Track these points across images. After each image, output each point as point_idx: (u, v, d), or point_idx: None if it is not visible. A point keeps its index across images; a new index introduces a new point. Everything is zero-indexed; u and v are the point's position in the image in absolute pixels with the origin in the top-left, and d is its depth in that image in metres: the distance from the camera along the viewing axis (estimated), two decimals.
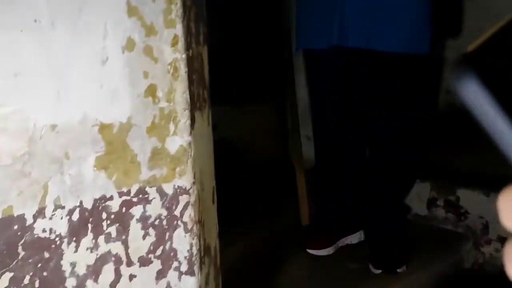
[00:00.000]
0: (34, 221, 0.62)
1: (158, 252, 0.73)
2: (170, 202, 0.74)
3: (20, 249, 0.61)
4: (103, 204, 0.67)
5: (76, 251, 0.64)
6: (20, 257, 0.61)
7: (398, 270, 1.62)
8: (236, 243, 1.62)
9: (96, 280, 0.66)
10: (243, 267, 1.60)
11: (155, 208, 0.72)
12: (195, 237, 0.77)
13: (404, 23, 1.43)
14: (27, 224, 0.61)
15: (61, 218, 0.64)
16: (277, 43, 2.03)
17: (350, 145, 1.65)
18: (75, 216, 0.64)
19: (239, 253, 1.62)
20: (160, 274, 0.74)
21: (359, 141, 1.65)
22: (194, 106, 0.80)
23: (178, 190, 0.74)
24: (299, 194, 1.81)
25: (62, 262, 0.64)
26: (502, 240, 1.81)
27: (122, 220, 0.69)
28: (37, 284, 0.62)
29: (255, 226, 1.77)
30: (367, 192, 1.72)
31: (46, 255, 0.63)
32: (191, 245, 0.76)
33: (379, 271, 1.61)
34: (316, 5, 1.47)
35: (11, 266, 0.60)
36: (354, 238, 1.73)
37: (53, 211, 0.63)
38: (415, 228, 1.97)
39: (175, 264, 0.75)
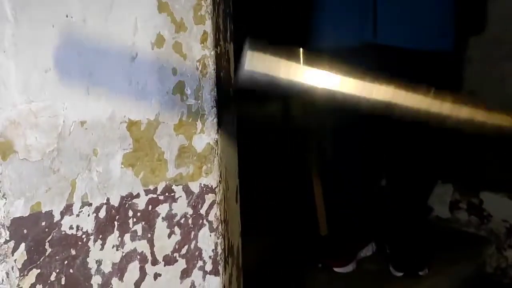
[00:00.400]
0: (62, 218, 0.61)
1: (183, 251, 0.72)
2: (196, 200, 0.73)
3: (47, 245, 0.60)
4: (130, 202, 0.66)
5: (102, 248, 0.64)
6: (47, 254, 0.60)
7: (420, 273, 1.59)
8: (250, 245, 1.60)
9: (121, 279, 0.66)
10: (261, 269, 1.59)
11: (181, 207, 0.71)
12: (220, 237, 0.76)
13: (432, 20, 1.40)
14: (54, 221, 0.61)
15: (88, 215, 0.64)
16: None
17: (371, 147, 1.62)
18: (102, 213, 0.64)
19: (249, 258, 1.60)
20: (185, 274, 0.73)
21: (379, 143, 1.63)
22: (221, 104, 0.79)
23: (204, 189, 0.73)
24: (316, 203, 1.76)
25: (88, 260, 0.64)
26: None
27: (148, 218, 0.68)
28: (63, 281, 0.62)
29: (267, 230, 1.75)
30: (388, 195, 1.69)
31: (73, 252, 0.62)
32: (216, 245, 0.75)
33: (401, 273, 1.59)
34: (344, 2, 1.44)
35: (38, 262, 0.60)
36: (368, 250, 1.71)
37: (80, 208, 0.63)
38: (437, 231, 1.93)
39: (200, 263, 0.74)
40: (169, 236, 0.71)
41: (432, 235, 1.89)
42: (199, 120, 0.72)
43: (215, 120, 0.74)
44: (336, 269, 1.62)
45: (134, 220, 0.67)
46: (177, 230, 0.71)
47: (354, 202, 1.70)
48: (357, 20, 1.42)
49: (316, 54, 1.69)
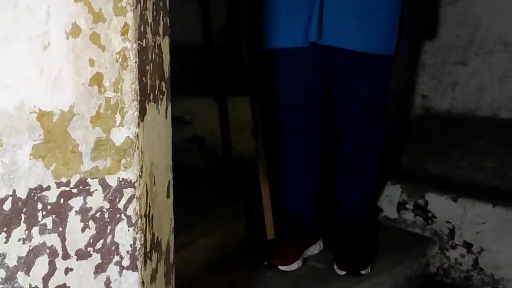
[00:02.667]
0: None
1: (98, 245, 0.71)
2: (113, 194, 0.72)
3: None
4: (39, 194, 0.65)
5: (6, 241, 0.62)
6: None
7: (362, 272, 1.62)
8: (196, 243, 1.60)
9: (27, 273, 0.64)
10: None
11: (97, 201, 0.70)
12: (140, 232, 0.75)
13: (377, 24, 1.43)
14: None
15: None
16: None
17: (318, 143, 1.65)
18: (7, 205, 0.62)
19: (195, 256, 1.59)
20: (99, 269, 0.72)
21: (326, 139, 1.66)
22: (145, 97, 0.78)
23: (123, 183, 0.73)
24: (264, 204, 1.74)
25: None
26: (468, 245, 1.82)
27: (59, 211, 0.67)
28: None
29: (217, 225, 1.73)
30: (333, 193, 1.72)
31: None
32: (135, 240, 0.75)
33: (344, 272, 1.61)
34: (292, 3, 1.45)
35: None
36: (315, 248, 1.73)
37: None
38: (384, 231, 1.97)
39: (116, 258, 0.73)
40: (83, 230, 0.69)
41: (379, 235, 1.93)
42: (118, 113, 0.71)
43: (136, 114, 0.73)
44: (281, 267, 1.63)
45: (44, 213, 0.65)
46: (91, 224, 0.70)
47: (301, 200, 1.71)
48: (304, 21, 1.44)
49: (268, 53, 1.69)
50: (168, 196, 0.96)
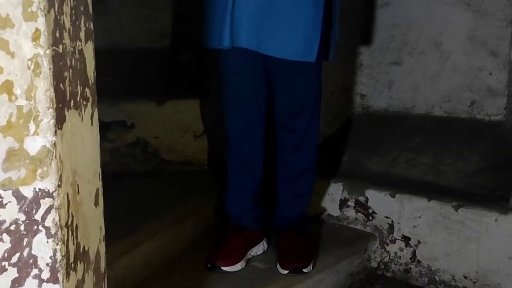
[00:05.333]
0: None
1: (14, 259, 0.69)
2: (29, 206, 0.69)
3: None
4: None
5: None
6: None
7: (305, 270, 1.65)
8: (136, 249, 1.57)
9: None
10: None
11: (11, 213, 0.68)
12: (60, 243, 0.73)
13: (294, 31, 1.46)
14: None
15: None
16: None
17: (259, 144, 1.67)
18: None
19: (135, 262, 1.56)
20: (16, 283, 0.69)
21: (265, 142, 1.68)
22: (64, 104, 0.76)
23: (40, 193, 0.70)
24: None
25: None
26: (406, 239, 1.89)
27: None
28: None
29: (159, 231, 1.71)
30: (274, 193, 1.74)
31: None
32: (55, 251, 0.72)
33: (286, 271, 1.63)
34: (213, 4, 1.47)
35: None
36: (259, 248, 1.74)
37: None
38: (328, 228, 2.01)
39: (35, 271, 0.71)
40: None
41: (322, 232, 1.97)
42: (32, 121, 0.69)
43: (52, 122, 0.71)
44: (224, 268, 1.63)
45: None
46: (6, 237, 0.68)
47: (242, 200, 1.72)
48: (222, 24, 1.45)
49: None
50: (96, 204, 0.94)
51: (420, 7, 2.14)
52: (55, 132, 0.72)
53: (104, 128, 2.19)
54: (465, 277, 1.77)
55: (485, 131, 2.01)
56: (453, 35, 2.08)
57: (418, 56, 2.16)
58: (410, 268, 1.89)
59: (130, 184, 2.02)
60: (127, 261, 1.52)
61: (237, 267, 1.65)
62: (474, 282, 1.76)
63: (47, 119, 0.70)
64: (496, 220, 1.70)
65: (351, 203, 2.02)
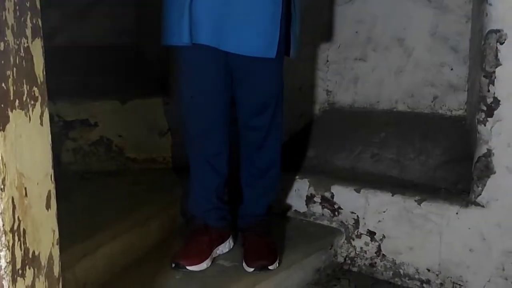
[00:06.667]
0: None
1: None
2: None
3: None
4: None
5: None
6: None
7: (270, 267, 1.64)
8: (98, 251, 1.53)
9: None
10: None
11: None
12: (4, 249, 0.70)
13: (254, 27, 1.45)
14: None
15: None
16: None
17: (221, 141, 1.65)
18: None
19: (97, 265, 1.53)
20: None
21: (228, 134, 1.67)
22: (7, 104, 0.73)
23: None
24: None
25: None
26: (371, 234, 1.91)
27: None
28: None
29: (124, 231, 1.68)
30: (240, 189, 1.73)
31: None
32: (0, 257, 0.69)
33: (252, 269, 1.63)
34: (171, 0, 1.45)
35: None
36: (225, 247, 1.73)
37: None
38: (294, 225, 2.02)
39: None
40: None
41: (288, 229, 1.97)
42: None
43: None
44: (189, 268, 1.61)
45: None
46: None
47: (206, 198, 1.71)
48: (180, 20, 1.43)
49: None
50: (48, 207, 0.91)
51: (384, 4, 2.16)
52: None
53: (67, 127, 2.14)
54: (428, 270, 1.80)
55: (447, 125, 2.04)
56: (416, 31, 2.10)
57: (383, 52, 2.18)
58: (376, 263, 1.91)
59: (94, 184, 1.98)
60: (88, 263, 1.49)
61: (203, 266, 1.63)
62: (437, 275, 1.79)
63: None
64: (457, 213, 1.74)
65: (317, 199, 2.03)
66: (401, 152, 2.02)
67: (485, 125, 1.65)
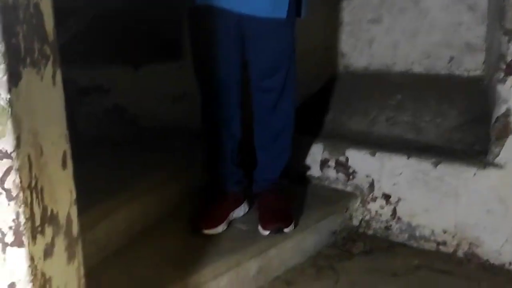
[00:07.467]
0: None
1: None
2: None
3: None
4: None
5: None
6: None
7: (286, 230, 1.65)
8: (117, 212, 1.55)
9: None
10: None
11: None
12: (23, 205, 0.70)
13: None
14: None
15: None
16: None
17: (236, 106, 1.64)
18: None
19: (117, 226, 1.55)
20: None
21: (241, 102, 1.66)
22: (18, 61, 0.72)
23: None
24: None
25: None
26: (386, 197, 1.90)
27: None
28: None
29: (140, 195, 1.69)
30: (254, 154, 1.73)
31: None
32: (18, 214, 0.70)
33: (267, 232, 1.64)
34: None
35: None
36: (240, 210, 1.74)
37: None
38: (308, 189, 2.02)
39: None
40: None
41: (304, 193, 1.97)
42: None
43: (5, 78, 0.67)
44: (206, 231, 1.63)
45: None
46: None
47: (222, 163, 1.71)
48: None
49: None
50: (64, 167, 0.91)
51: None
52: (10, 89, 0.68)
53: (81, 93, 2.14)
54: (444, 231, 1.79)
55: (464, 86, 2.00)
56: None
57: (397, 13, 2.12)
58: (391, 225, 1.91)
59: (109, 150, 1.99)
60: (108, 225, 1.51)
61: (219, 229, 1.65)
62: (453, 236, 1.78)
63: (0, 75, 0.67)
64: (474, 175, 1.71)
65: (331, 163, 2.02)
66: (417, 114, 1.99)
67: (504, 84, 1.61)
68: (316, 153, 2.04)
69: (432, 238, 1.82)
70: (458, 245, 1.78)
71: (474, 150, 1.82)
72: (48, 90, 0.84)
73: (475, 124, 1.89)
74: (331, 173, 2.02)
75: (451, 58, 2.04)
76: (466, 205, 1.74)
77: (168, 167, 1.87)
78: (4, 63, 0.66)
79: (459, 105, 1.97)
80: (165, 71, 2.12)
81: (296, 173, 2.05)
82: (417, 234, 1.86)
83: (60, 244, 0.87)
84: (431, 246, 1.83)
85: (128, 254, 1.52)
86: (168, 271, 1.43)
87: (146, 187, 1.70)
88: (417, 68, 2.12)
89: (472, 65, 2.01)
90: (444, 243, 1.80)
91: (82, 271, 0.96)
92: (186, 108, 2.13)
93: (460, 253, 1.77)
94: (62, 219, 0.88)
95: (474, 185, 1.72)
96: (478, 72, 2.00)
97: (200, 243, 1.60)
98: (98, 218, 1.47)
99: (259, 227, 1.66)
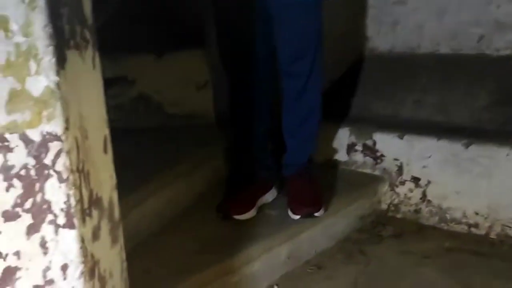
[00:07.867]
0: None
1: (28, 205, 0.66)
2: (38, 150, 0.67)
3: None
4: None
5: None
6: None
7: (316, 214, 1.64)
8: (148, 201, 1.56)
9: None
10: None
11: (19, 157, 0.65)
12: (73, 188, 0.70)
13: None
14: None
15: None
16: None
17: (264, 91, 1.63)
18: None
19: (148, 215, 1.55)
20: (32, 229, 0.67)
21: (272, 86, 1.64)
22: (64, 43, 0.72)
23: (47, 137, 0.67)
24: None
25: None
26: (416, 180, 1.88)
27: None
28: None
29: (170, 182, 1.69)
30: (283, 139, 1.72)
31: None
32: (69, 196, 0.70)
33: (298, 216, 1.63)
34: None
35: None
36: (269, 196, 1.73)
37: None
38: (336, 173, 2.00)
39: (50, 217, 0.69)
40: (7, 189, 0.64)
41: (331, 177, 1.96)
42: (32, 60, 0.65)
43: (54, 60, 0.67)
44: (236, 217, 1.63)
45: None
46: (16, 182, 0.65)
47: (251, 148, 1.70)
48: None
49: None
50: (105, 151, 0.91)
51: None
52: (58, 71, 0.68)
53: (106, 84, 2.13)
54: (476, 213, 1.77)
55: (494, 66, 1.96)
56: None
57: None
58: (420, 208, 1.89)
59: (136, 139, 1.99)
60: (139, 214, 1.51)
61: (249, 215, 1.64)
62: (486, 218, 1.76)
63: (48, 57, 0.66)
64: (507, 155, 1.68)
65: (358, 147, 2.00)
66: (445, 96, 1.96)
67: None
68: (342, 138, 2.03)
69: (464, 220, 1.80)
70: (490, 227, 1.75)
71: (505, 131, 1.79)
72: (89, 73, 0.83)
73: (506, 104, 1.85)
74: (359, 157, 2.00)
75: (480, 37, 2.00)
76: (499, 186, 1.71)
77: (194, 155, 1.87)
78: (52, 44, 0.66)
79: (488, 85, 1.93)
80: (189, 58, 2.11)
81: (323, 158, 2.03)
82: (448, 216, 1.83)
83: (105, 228, 0.87)
84: (462, 228, 1.81)
85: (160, 242, 1.52)
86: (202, 257, 1.44)
87: (173, 175, 1.70)
88: (444, 49, 2.08)
89: (502, 43, 1.96)
90: (476, 225, 1.78)
91: (123, 255, 0.97)
92: (211, 95, 2.13)
93: (492, 235, 1.74)
94: (105, 202, 0.88)
95: (507, 165, 1.69)
96: (508, 51, 1.95)
97: (231, 229, 1.61)
98: (129, 207, 1.48)
99: (289, 212, 1.65)
